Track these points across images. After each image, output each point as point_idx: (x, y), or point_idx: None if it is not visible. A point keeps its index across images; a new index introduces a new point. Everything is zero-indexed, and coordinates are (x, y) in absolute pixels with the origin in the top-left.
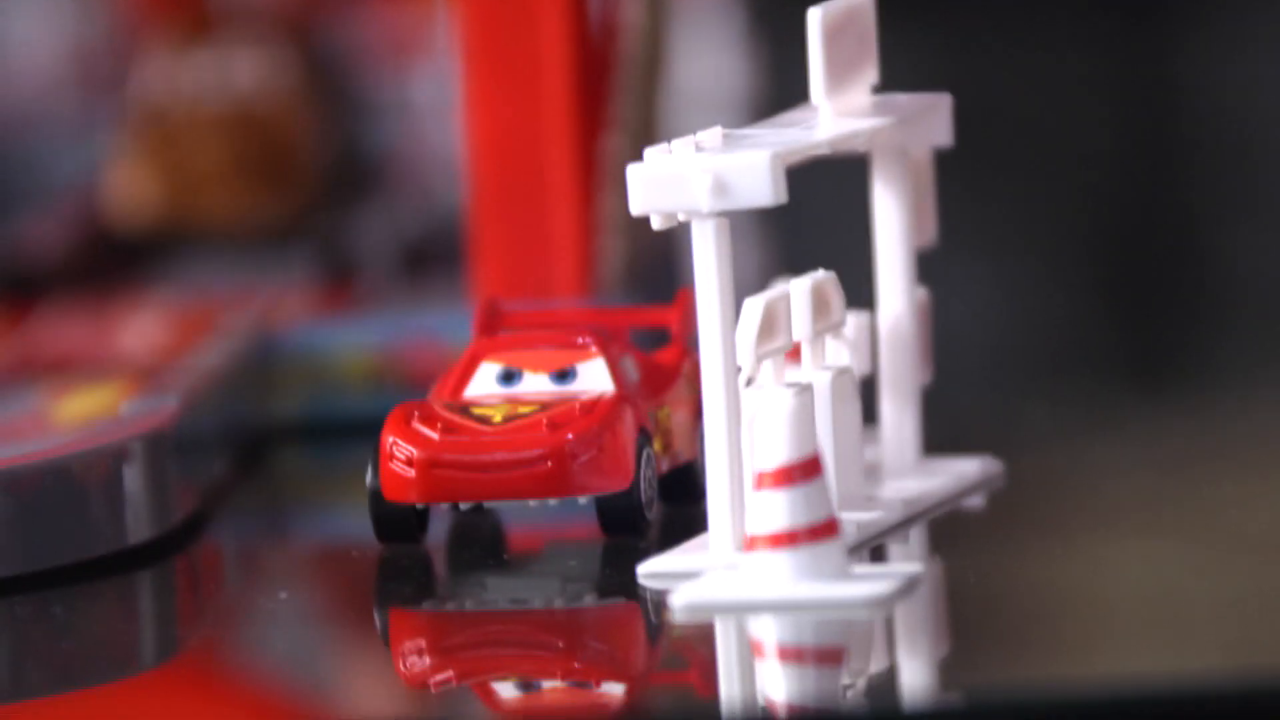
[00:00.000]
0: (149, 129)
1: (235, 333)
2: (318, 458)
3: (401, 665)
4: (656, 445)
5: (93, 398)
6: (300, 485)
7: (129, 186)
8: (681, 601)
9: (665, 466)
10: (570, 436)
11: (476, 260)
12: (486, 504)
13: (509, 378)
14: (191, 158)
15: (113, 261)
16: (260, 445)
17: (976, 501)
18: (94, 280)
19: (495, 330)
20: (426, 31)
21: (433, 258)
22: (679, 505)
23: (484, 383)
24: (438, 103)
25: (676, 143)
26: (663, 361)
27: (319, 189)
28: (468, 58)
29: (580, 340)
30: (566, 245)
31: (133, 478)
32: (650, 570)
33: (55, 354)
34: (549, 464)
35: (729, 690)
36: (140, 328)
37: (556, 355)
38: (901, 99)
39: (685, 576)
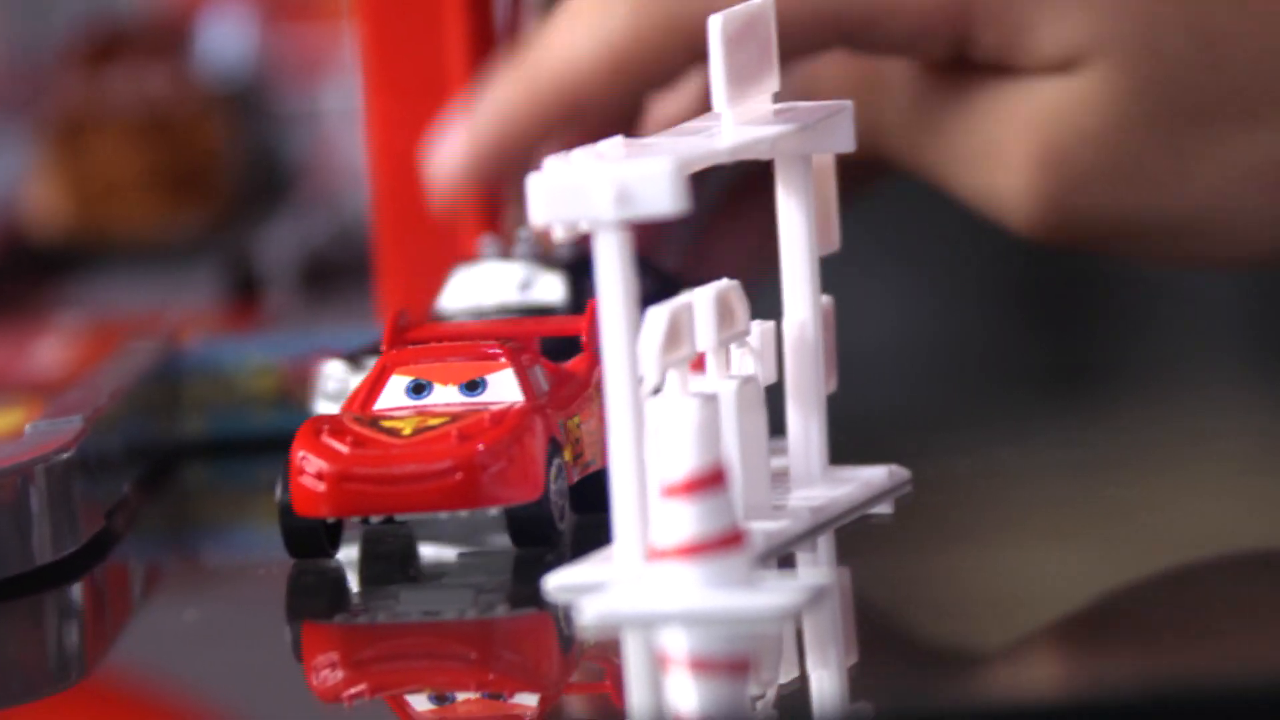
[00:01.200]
0: (61, 141)
1: (141, 351)
2: (225, 475)
3: (314, 680)
4: (567, 454)
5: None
6: (208, 502)
7: (42, 198)
8: (590, 613)
9: (576, 475)
10: (480, 447)
11: (380, 275)
12: (397, 516)
13: (419, 389)
14: (102, 168)
15: (22, 279)
16: (167, 463)
17: (884, 509)
18: (2, 300)
19: (404, 342)
20: (336, 45)
21: (339, 271)
22: (591, 514)
23: (394, 395)
24: (346, 115)
25: (577, 152)
26: (573, 370)
27: (229, 200)
28: (369, 71)
29: (489, 351)
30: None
31: (38, 498)
32: (558, 582)
33: None
34: (459, 475)
35: (638, 701)
36: (47, 348)
37: (466, 366)
38: (803, 106)
39: (593, 588)
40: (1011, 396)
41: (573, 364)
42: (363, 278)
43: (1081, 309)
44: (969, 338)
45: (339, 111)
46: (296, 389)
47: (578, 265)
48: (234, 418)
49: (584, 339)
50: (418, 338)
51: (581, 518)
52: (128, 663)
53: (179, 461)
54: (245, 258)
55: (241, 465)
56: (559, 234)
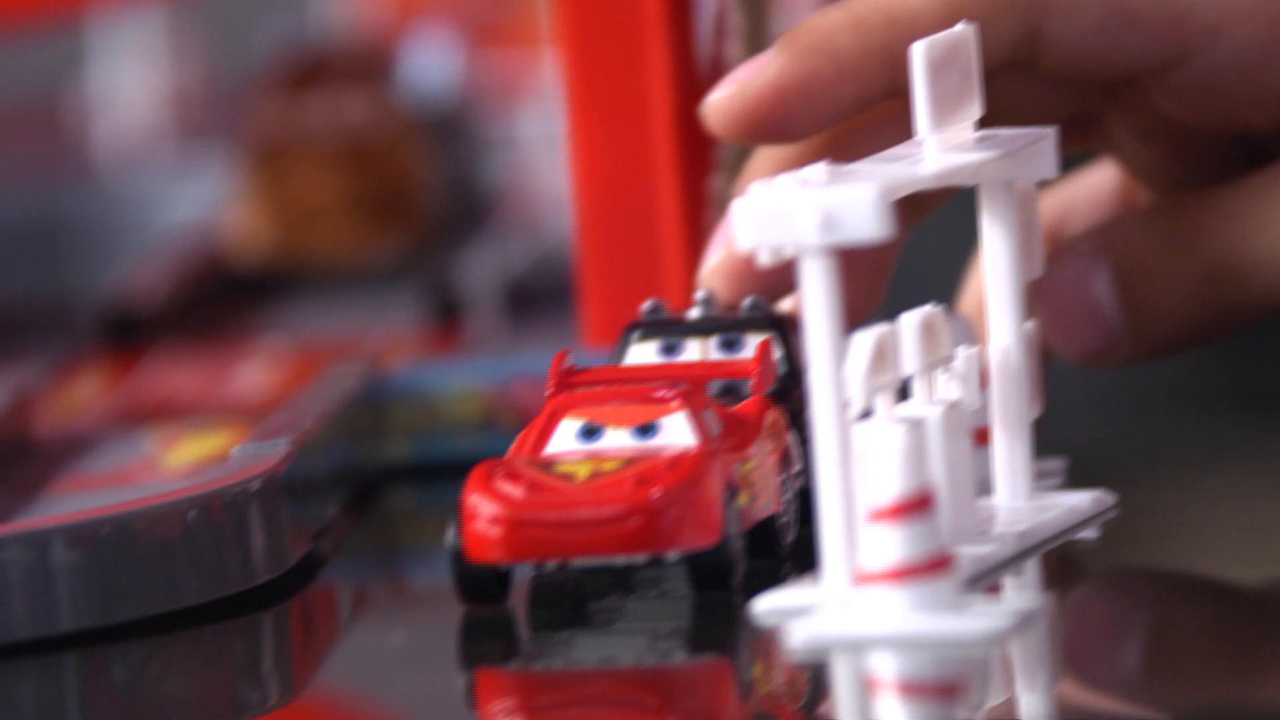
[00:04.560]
0: (261, 167)
1: (345, 375)
2: (429, 499)
3: None
4: (743, 499)
5: (204, 443)
6: (412, 526)
7: (242, 224)
8: (798, 636)
9: (749, 520)
10: (658, 492)
11: (585, 300)
12: (572, 563)
13: (590, 433)
14: (303, 193)
15: (224, 304)
16: (371, 487)
17: (1090, 534)
18: (204, 324)
19: (572, 386)
20: (534, 70)
21: (540, 296)
22: (762, 559)
23: (565, 439)
24: (545, 140)
25: (781, 178)
26: (744, 414)
27: (430, 227)
28: (573, 98)
29: (661, 394)
30: (675, 285)
31: (246, 521)
32: (766, 606)
33: (165, 399)
34: (637, 521)
35: None
36: (250, 372)
37: (638, 410)
38: (1005, 133)
39: (801, 611)
40: (1214, 420)
41: (743, 407)
42: (564, 302)
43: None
44: (1172, 362)
45: (538, 137)
46: (500, 413)
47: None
48: (438, 442)
49: (754, 382)
50: (586, 380)
51: (752, 563)
52: (334, 685)
53: (383, 485)
54: (446, 283)
55: (445, 489)
56: (764, 259)
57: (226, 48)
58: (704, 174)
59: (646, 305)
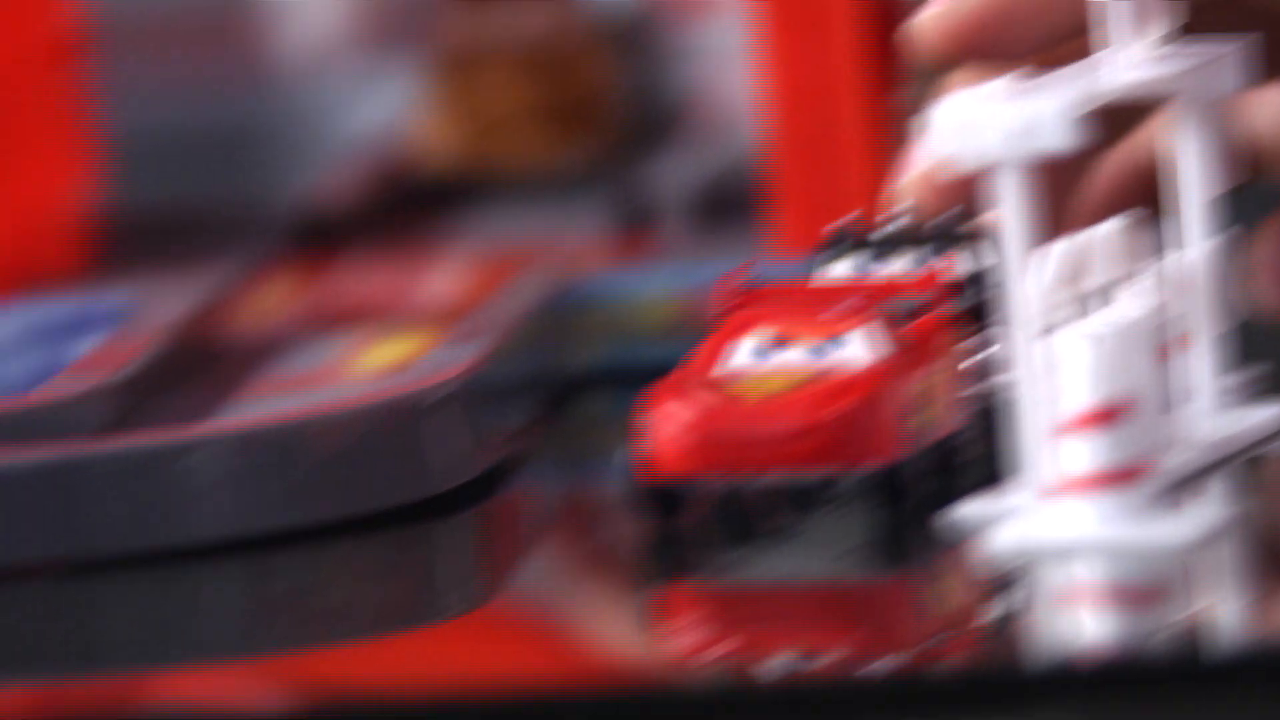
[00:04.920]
0: (449, 76)
1: (537, 281)
2: (620, 405)
3: (675, 642)
4: (922, 416)
5: (396, 347)
6: (603, 433)
7: (430, 132)
8: (997, 544)
9: (929, 437)
10: (838, 410)
11: (773, 208)
12: (753, 478)
13: (770, 349)
14: (491, 102)
15: (413, 210)
16: (562, 393)
17: None
18: (393, 230)
19: (753, 300)
20: None
21: (731, 204)
22: (943, 476)
23: (746, 354)
24: (734, 48)
25: (976, 90)
26: (925, 330)
27: (618, 135)
28: (761, 8)
29: (843, 310)
30: (861, 195)
31: (438, 427)
32: (964, 514)
33: (356, 304)
34: (817, 438)
35: (1046, 630)
36: (441, 277)
37: (819, 326)
38: (1195, 47)
39: (998, 520)
40: None
41: (924, 323)
42: (752, 211)
43: None
44: None
45: (723, 47)
46: (690, 320)
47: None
48: (630, 348)
49: (933, 298)
50: (766, 295)
51: (936, 480)
52: (520, 594)
53: (574, 392)
54: (635, 191)
55: (635, 396)
56: (958, 172)
57: None
58: (894, 86)
59: (843, 219)
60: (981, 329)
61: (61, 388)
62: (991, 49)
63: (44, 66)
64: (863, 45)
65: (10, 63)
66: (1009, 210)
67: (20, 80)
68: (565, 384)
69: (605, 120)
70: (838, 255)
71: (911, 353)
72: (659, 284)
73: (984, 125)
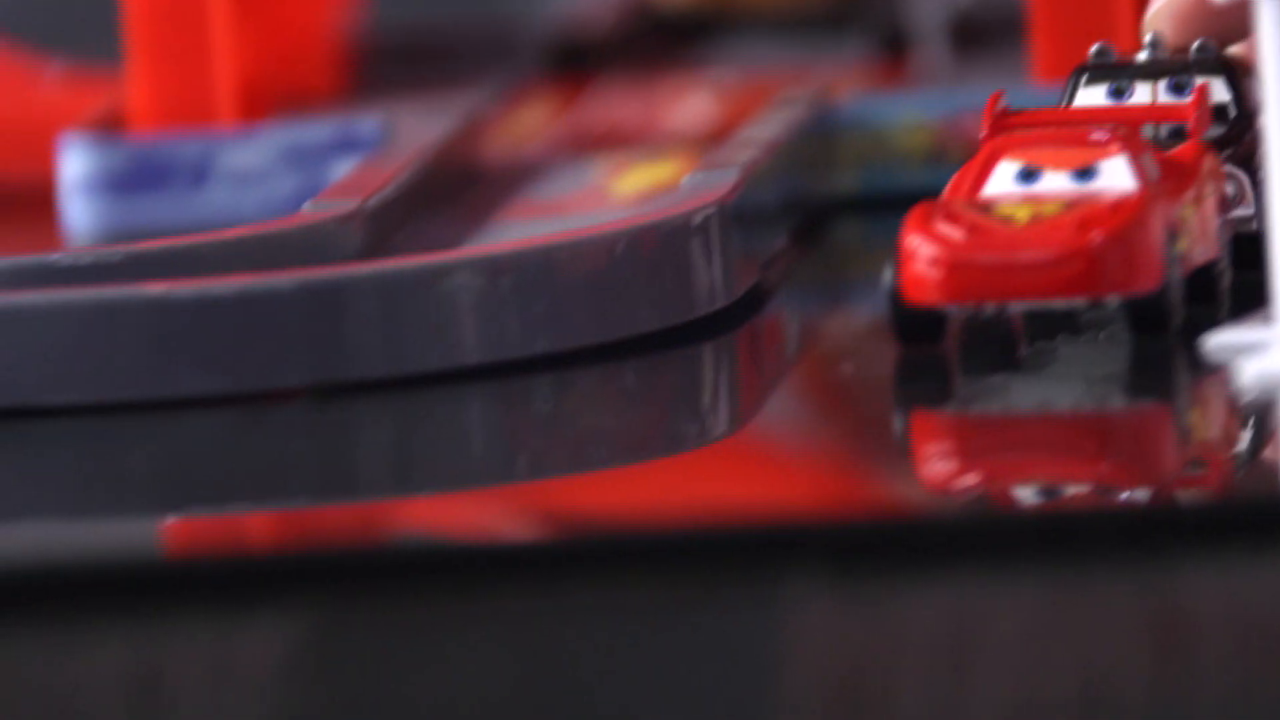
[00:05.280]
0: None
1: (792, 106)
2: (877, 231)
3: (924, 469)
4: (1182, 243)
5: (652, 171)
6: (860, 258)
7: None
8: (1249, 374)
9: (1188, 265)
10: (1099, 236)
11: (1033, 37)
12: (1011, 305)
13: (1028, 176)
14: None
15: (660, 42)
16: (819, 218)
17: None
18: (645, 58)
19: (1009, 127)
20: None
21: (990, 30)
22: (1200, 304)
23: (1002, 181)
24: None
25: None
26: (1181, 159)
27: None
28: None
29: (1100, 136)
30: (1124, 24)
31: (697, 251)
32: (1218, 342)
33: (611, 129)
34: (1077, 264)
35: None
36: (695, 103)
37: (1077, 152)
38: None
39: (1254, 348)
40: None
41: (1182, 151)
42: (1014, 37)
43: None
44: None
45: None
46: (949, 146)
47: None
48: (886, 174)
49: (1190, 126)
50: (1023, 122)
51: (1191, 310)
52: (778, 418)
53: (831, 216)
54: (892, 17)
55: (892, 222)
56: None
57: None
58: None
59: (1094, 48)
60: (1237, 158)
61: (319, 211)
62: None
63: None
64: None
65: None
66: (1268, 40)
67: None
68: (821, 209)
69: None
70: (1093, 82)
71: (1170, 180)
72: (917, 109)
73: None
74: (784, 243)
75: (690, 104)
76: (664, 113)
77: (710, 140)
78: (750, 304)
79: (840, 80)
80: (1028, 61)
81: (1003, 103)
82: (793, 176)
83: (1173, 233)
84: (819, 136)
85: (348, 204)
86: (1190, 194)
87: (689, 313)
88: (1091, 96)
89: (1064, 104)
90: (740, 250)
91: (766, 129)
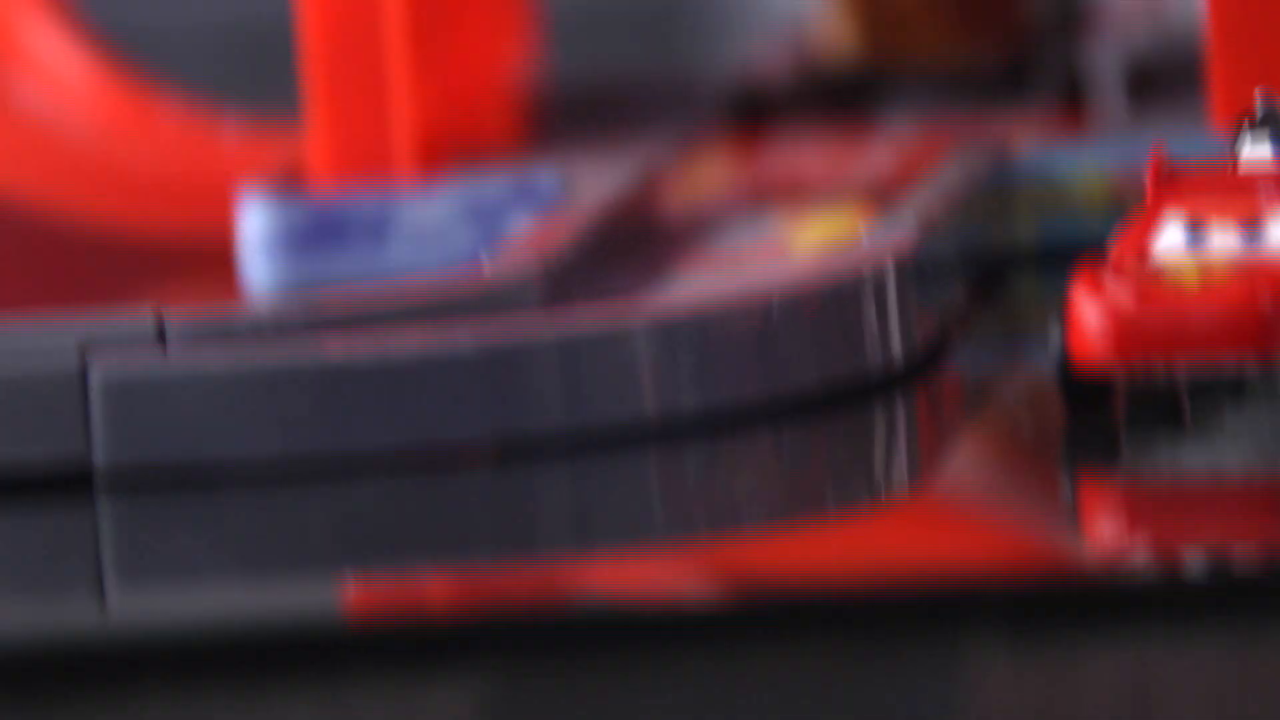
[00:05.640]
0: None
1: (970, 157)
2: (1053, 283)
3: (1094, 532)
4: None
5: (831, 224)
6: (1037, 311)
7: (832, 31)
8: None
9: None
10: (1272, 298)
11: (1213, 85)
12: (1180, 369)
13: (1196, 234)
14: (891, 2)
15: (828, 96)
16: (997, 270)
17: None
18: (818, 110)
19: (1174, 181)
20: None
21: (1168, 78)
22: None
23: (1170, 238)
24: None
25: None
26: None
27: (1032, 30)
28: None
29: (1270, 193)
30: None
31: (875, 303)
32: None
33: (790, 181)
34: (1249, 327)
35: None
36: (873, 154)
37: (1245, 209)
38: None
39: None
40: None
41: None
42: (1188, 85)
43: None
44: None
45: None
46: (1127, 196)
47: None
48: (1066, 225)
49: None
50: (1189, 176)
51: None
52: (957, 476)
53: (1009, 269)
54: (1064, 71)
55: (1068, 274)
56: None
57: None
58: None
59: (1259, 96)
60: None
61: (497, 266)
62: None
63: None
64: None
65: None
66: None
67: None
68: (999, 260)
69: (1014, 15)
70: (1260, 134)
71: None
72: (1096, 159)
73: None
74: (962, 295)
75: (869, 155)
76: (842, 164)
77: (889, 192)
78: (928, 357)
79: (1017, 131)
80: (1206, 108)
81: (1166, 154)
82: (971, 228)
83: None
84: (998, 187)
85: (527, 259)
86: None
87: (866, 368)
88: (1257, 147)
89: (1234, 155)
90: (919, 302)
91: (945, 179)
